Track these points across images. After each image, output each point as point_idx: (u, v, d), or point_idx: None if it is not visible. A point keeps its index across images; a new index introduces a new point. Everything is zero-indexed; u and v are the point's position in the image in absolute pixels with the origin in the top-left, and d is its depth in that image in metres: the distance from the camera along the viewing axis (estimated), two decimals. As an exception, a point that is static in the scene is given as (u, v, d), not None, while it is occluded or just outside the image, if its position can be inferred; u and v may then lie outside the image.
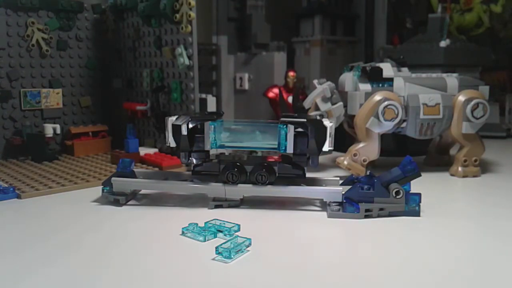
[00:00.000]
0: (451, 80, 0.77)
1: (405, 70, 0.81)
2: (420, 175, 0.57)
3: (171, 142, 0.61)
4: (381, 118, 0.72)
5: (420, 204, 0.57)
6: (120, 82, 1.00)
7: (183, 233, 0.50)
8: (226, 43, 1.24)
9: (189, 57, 0.82)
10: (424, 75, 0.79)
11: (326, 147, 0.59)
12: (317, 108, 0.78)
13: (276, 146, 0.60)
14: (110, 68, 1.02)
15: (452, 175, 0.78)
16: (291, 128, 0.58)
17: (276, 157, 0.72)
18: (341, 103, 0.78)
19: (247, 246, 0.46)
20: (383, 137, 0.76)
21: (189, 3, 0.79)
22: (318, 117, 0.74)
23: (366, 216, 0.56)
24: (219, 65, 1.24)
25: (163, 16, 0.85)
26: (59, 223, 0.54)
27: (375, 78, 0.75)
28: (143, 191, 0.67)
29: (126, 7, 0.93)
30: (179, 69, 0.84)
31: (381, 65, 0.76)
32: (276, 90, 1.09)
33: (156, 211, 0.59)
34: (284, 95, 1.06)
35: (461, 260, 0.44)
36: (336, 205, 0.58)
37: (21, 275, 0.41)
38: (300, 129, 0.58)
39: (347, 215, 0.56)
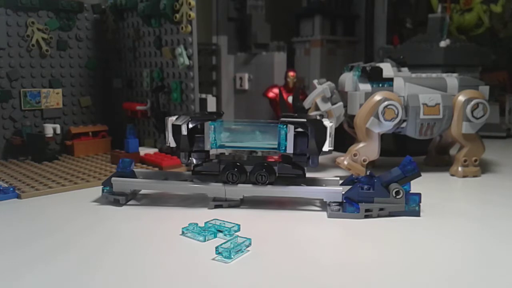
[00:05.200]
0: (451, 80, 0.77)
1: (405, 70, 0.81)
2: (420, 175, 0.57)
3: (171, 142, 0.61)
4: (381, 118, 0.72)
5: (420, 204, 0.57)
6: (120, 82, 1.00)
7: (183, 233, 0.50)
8: (226, 43, 1.24)
9: (189, 57, 0.82)
10: (424, 75, 0.79)
11: (326, 147, 0.59)
12: (317, 108, 0.78)
13: (276, 146, 0.60)
14: (110, 68, 1.02)
15: (452, 175, 0.78)
16: (291, 128, 0.58)
17: (276, 157, 0.72)
18: (341, 103, 0.78)
19: (247, 246, 0.46)
20: (383, 137, 0.77)
21: (189, 3, 0.79)
22: (318, 117, 0.74)
23: (366, 216, 0.56)
24: (219, 65, 1.24)
25: (163, 16, 0.85)
26: (59, 223, 0.55)
27: (375, 78, 0.75)
28: (143, 191, 0.67)
29: (126, 7, 0.93)
30: (179, 69, 0.84)
31: (381, 65, 0.76)
32: (276, 90, 1.09)
33: (156, 211, 0.59)
34: (284, 95, 1.06)
35: (461, 260, 0.44)
36: (336, 205, 0.58)
37: (21, 274, 0.41)
38: (300, 129, 0.58)
39: (347, 215, 0.56)
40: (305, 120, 0.59)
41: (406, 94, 0.75)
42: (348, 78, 0.77)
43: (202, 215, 0.56)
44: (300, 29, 1.30)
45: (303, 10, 1.30)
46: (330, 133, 0.59)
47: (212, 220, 0.52)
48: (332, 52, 1.26)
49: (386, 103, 0.72)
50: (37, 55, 0.91)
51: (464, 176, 0.76)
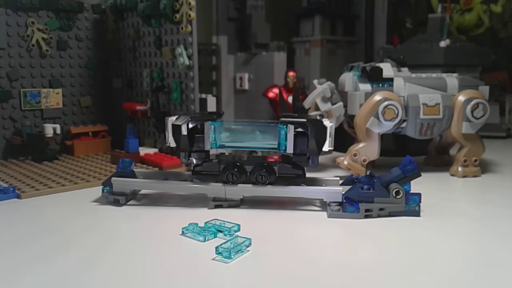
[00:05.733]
0: (451, 80, 0.77)
1: (405, 70, 0.81)
2: (420, 175, 0.57)
3: (171, 142, 0.61)
4: (381, 118, 0.72)
5: (420, 204, 0.57)
6: (120, 82, 1.00)
7: (183, 233, 0.50)
8: (226, 43, 1.24)
9: (189, 57, 0.82)
10: (424, 75, 0.79)
11: (326, 147, 0.59)
12: (317, 108, 0.78)
13: (276, 146, 0.60)
14: (110, 68, 1.02)
15: (452, 175, 0.78)
16: (291, 128, 0.58)
17: (276, 157, 0.72)
18: (341, 103, 0.78)
19: (247, 246, 0.46)
20: (383, 137, 0.77)
21: (189, 3, 0.79)
22: (318, 117, 0.74)
23: (366, 216, 0.56)
24: (219, 65, 1.24)
25: (163, 16, 0.85)
26: (59, 223, 0.55)
27: (375, 78, 0.75)
28: (143, 191, 0.67)
29: (126, 7, 0.93)
30: (179, 69, 0.84)
31: (381, 65, 0.76)
32: (276, 90, 1.09)
33: (156, 211, 0.59)
34: (284, 95, 1.06)
35: (461, 260, 0.44)
36: (336, 205, 0.58)
37: (21, 274, 0.41)
38: (300, 129, 0.58)
39: (347, 215, 0.56)
40: (305, 120, 0.59)
41: (406, 94, 0.75)
42: (348, 78, 0.77)
43: (202, 215, 0.56)
44: (300, 29, 1.30)
45: (303, 10, 1.30)
46: (330, 133, 0.59)
47: (212, 220, 0.52)
48: (332, 52, 1.26)
49: (386, 103, 0.72)
50: (37, 55, 0.91)
51: (464, 176, 0.76)
